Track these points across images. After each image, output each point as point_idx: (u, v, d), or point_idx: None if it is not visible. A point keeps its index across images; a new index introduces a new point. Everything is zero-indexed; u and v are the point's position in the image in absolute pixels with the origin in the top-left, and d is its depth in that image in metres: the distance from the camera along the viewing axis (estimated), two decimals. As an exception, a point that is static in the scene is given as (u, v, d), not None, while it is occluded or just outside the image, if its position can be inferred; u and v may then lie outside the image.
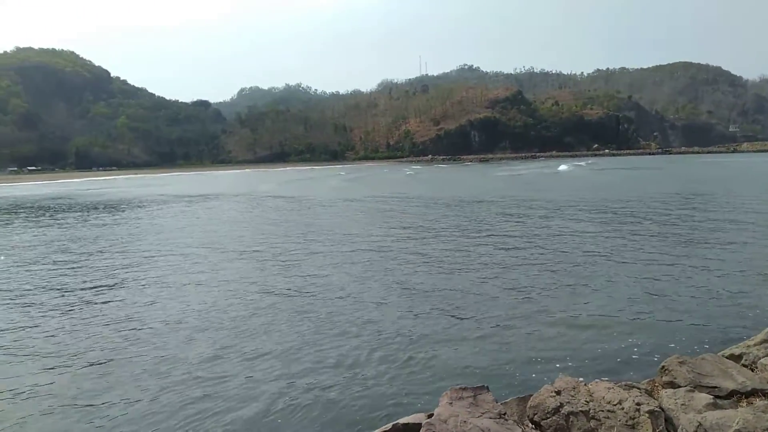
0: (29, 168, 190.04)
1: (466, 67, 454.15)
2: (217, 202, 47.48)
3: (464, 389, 5.11)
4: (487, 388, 5.16)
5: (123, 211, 41.27)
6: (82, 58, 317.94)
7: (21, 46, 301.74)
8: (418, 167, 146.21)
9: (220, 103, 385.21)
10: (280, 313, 12.29)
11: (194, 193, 60.99)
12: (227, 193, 60.50)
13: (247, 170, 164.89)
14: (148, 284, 15.61)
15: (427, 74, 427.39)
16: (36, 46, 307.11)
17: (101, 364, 9.66)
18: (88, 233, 28.07)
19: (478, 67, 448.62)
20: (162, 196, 57.66)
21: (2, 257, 21.44)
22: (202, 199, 52.48)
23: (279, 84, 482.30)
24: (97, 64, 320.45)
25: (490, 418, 4.64)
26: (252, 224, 29.86)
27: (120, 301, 13.87)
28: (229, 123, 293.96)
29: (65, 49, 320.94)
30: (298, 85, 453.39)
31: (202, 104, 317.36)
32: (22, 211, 45.24)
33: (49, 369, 9.57)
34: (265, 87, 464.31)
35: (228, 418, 7.53)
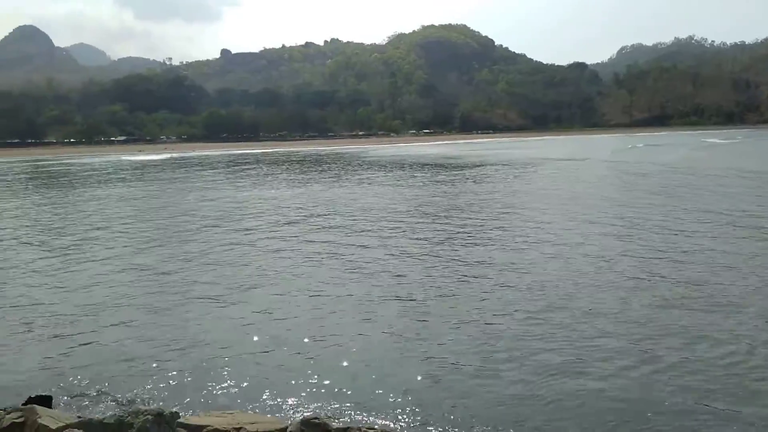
0: (425, 131, 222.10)
1: None
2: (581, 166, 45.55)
3: None
4: None
5: (490, 172, 43.49)
6: (471, 30, 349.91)
7: (425, 24, 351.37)
8: None
9: (598, 64, 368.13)
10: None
11: (561, 157, 60.02)
12: (594, 157, 57.43)
13: (619, 135, 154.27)
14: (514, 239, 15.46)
15: None
16: (437, 23, 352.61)
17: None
18: (452, 190, 30.47)
19: None
20: (535, 159, 58.66)
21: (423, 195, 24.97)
22: (570, 163, 51.15)
23: (666, 39, 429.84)
24: (483, 34, 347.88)
25: None
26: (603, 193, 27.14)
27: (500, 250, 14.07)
28: (605, 84, 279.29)
29: (459, 23, 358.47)
30: (690, 38, 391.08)
31: (578, 66, 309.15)
32: (420, 166, 52.92)
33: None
34: (650, 43, 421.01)
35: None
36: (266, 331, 9.30)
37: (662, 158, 51.28)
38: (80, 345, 8.96)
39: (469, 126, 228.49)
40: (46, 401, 6.88)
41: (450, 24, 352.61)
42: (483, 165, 50.23)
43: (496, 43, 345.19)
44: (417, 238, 16.67)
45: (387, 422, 6.13)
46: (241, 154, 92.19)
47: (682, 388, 6.82)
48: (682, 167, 40.37)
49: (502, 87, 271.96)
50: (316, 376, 7.43)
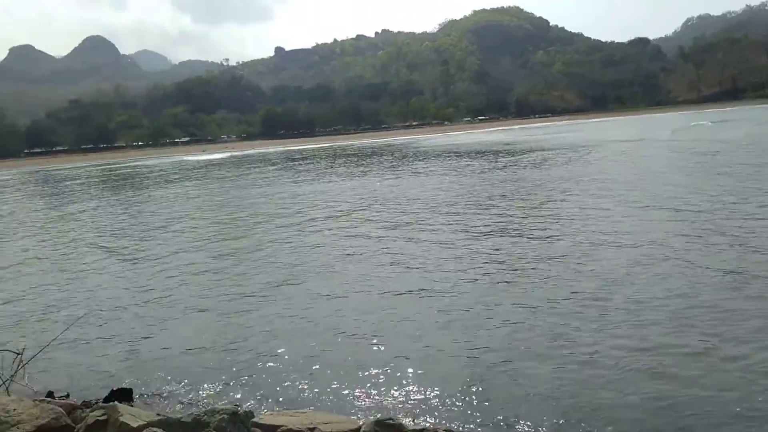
0: (479, 117, 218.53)
1: None
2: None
3: None
4: None
5: (549, 156, 42.11)
6: (525, 12, 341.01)
7: (477, 9, 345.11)
8: None
9: (661, 38, 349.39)
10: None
11: (617, 138, 57.26)
12: (650, 137, 54.43)
13: (686, 112, 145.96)
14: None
15: None
16: (489, 7, 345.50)
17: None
18: (509, 176, 29.61)
19: None
20: (592, 141, 56.39)
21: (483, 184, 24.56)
22: (630, 144, 48.78)
23: (736, 6, 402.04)
24: (537, 15, 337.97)
25: None
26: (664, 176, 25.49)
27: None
28: (670, 60, 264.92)
29: (512, 5, 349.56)
30: (763, 5, 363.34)
31: (640, 42, 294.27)
32: (473, 153, 52.04)
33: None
34: (718, 13, 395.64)
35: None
36: (337, 327, 9.21)
37: (725, 135, 47.96)
38: (156, 340, 9.25)
39: (525, 110, 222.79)
40: (127, 394, 7.17)
41: (502, 7, 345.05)
42: (540, 150, 48.66)
43: (551, 24, 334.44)
44: (477, 229, 16.25)
45: (463, 424, 5.90)
46: (298, 150, 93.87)
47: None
48: (746, 144, 37.54)
49: (559, 68, 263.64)
50: (388, 375, 7.27)
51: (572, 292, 9.88)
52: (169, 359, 8.38)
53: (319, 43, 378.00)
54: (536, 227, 15.80)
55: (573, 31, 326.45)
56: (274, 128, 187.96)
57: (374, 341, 8.48)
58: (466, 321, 9.02)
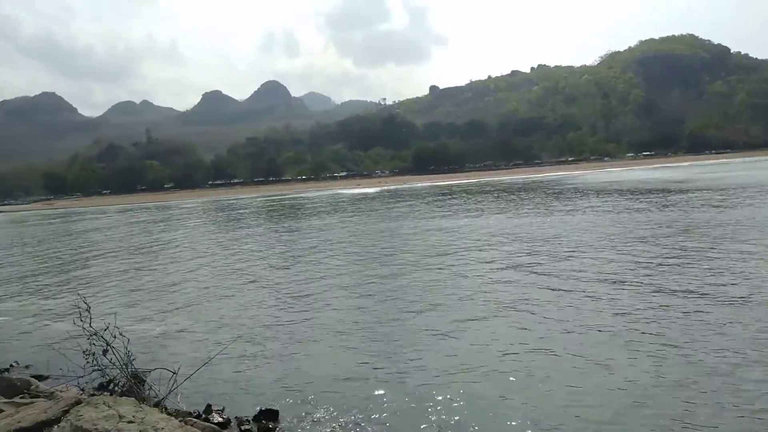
0: (644, 153, 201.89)
1: None
2: None
3: None
4: None
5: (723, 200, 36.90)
6: (700, 39, 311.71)
7: (643, 39, 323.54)
8: None
9: None
10: None
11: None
12: None
13: None
14: None
15: None
16: (657, 36, 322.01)
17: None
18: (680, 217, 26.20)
19: None
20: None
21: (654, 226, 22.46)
22: None
23: None
24: (716, 42, 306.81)
25: None
26: None
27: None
28: None
29: (685, 33, 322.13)
30: None
31: None
32: (632, 192, 47.80)
33: None
34: None
35: None
36: (487, 363, 8.80)
37: None
38: (305, 363, 9.56)
39: (699, 146, 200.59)
40: (273, 415, 7.42)
41: (673, 35, 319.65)
42: (708, 189, 42.95)
43: (732, 51, 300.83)
44: (660, 285, 14.51)
45: None
46: (446, 185, 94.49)
47: None
48: None
49: (742, 99, 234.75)
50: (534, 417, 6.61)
51: None
52: (316, 384, 8.56)
53: (473, 80, 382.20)
54: (712, 286, 13.64)
55: (759, 57, 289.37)
56: (424, 163, 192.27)
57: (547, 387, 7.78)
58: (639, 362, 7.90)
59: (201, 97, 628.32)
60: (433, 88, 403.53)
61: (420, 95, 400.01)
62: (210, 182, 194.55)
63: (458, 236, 24.87)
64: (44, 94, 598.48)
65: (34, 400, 5.95)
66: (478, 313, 11.81)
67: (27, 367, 10.05)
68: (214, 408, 7.51)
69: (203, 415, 7.10)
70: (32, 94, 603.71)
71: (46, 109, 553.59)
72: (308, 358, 9.82)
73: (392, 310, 12.56)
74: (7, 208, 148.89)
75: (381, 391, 8.05)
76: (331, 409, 7.57)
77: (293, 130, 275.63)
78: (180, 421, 5.25)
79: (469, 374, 8.52)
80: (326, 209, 52.78)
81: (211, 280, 18.17)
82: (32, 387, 6.81)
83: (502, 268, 16.60)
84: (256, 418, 7.37)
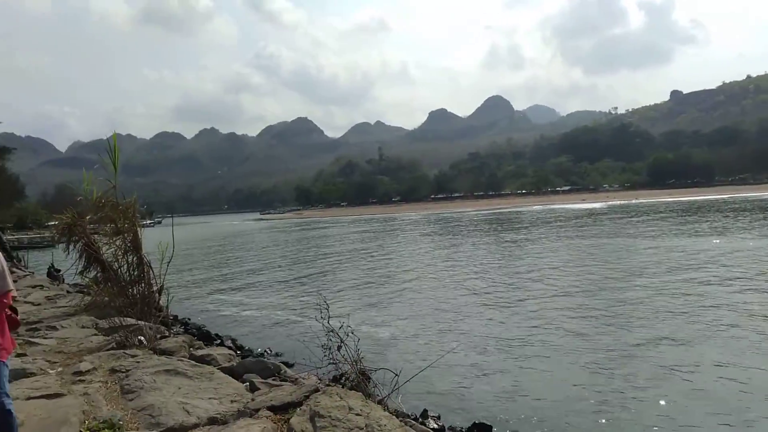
0: None
1: None
2: None
3: None
4: None
5: None
6: None
7: None
8: None
9: None
10: None
11: None
12: None
13: None
14: None
15: None
16: None
17: None
18: None
19: None
20: None
21: None
22: None
23: None
24: None
25: None
26: None
27: None
28: None
29: None
30: None
31: None
32: None
33: None
34: None
35: None
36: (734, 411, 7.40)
37: None
38: (531, 380, 9.28)
39: None
40: (486, 429, 7.31)
41: None
42: None
43: None
44: None
45: None
46: (687, 201, 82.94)
47: None
48: None
49: None
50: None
51: None
52: (535, 404, 8.24)
53: (726, 81, 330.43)
54: None
55: None
56: (662, 177, 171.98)
57: None
58: None
59: (427, 115, 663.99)
60: (674, 93, 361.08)
61: (658, 102, 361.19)
62: (432, 196, 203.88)
63: (707, 258, 21.55)
64: (299, 119, 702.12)
65: (282, 383, 6.80)
66: (738, 348, 10.06)
67: (278, 354, 11.60)
68: (430, 414, 7.67)
69: (420, 419, 7.29)
70: (290, 120, 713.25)
71: (300, 132, 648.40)
72: (529, 377, 9.48)
73: (627, 337, 11.38)
74: (268, 216, 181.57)
75: (604, 421, 7.41)
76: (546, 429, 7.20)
77: (514, 144, 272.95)
78: (400, 420, 5.45)
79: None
80: (551, 224, 50.66)
81: (435, 291, 18.79)
82: (282, 372, 7.80)
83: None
84: (469, 430, 7.30)
